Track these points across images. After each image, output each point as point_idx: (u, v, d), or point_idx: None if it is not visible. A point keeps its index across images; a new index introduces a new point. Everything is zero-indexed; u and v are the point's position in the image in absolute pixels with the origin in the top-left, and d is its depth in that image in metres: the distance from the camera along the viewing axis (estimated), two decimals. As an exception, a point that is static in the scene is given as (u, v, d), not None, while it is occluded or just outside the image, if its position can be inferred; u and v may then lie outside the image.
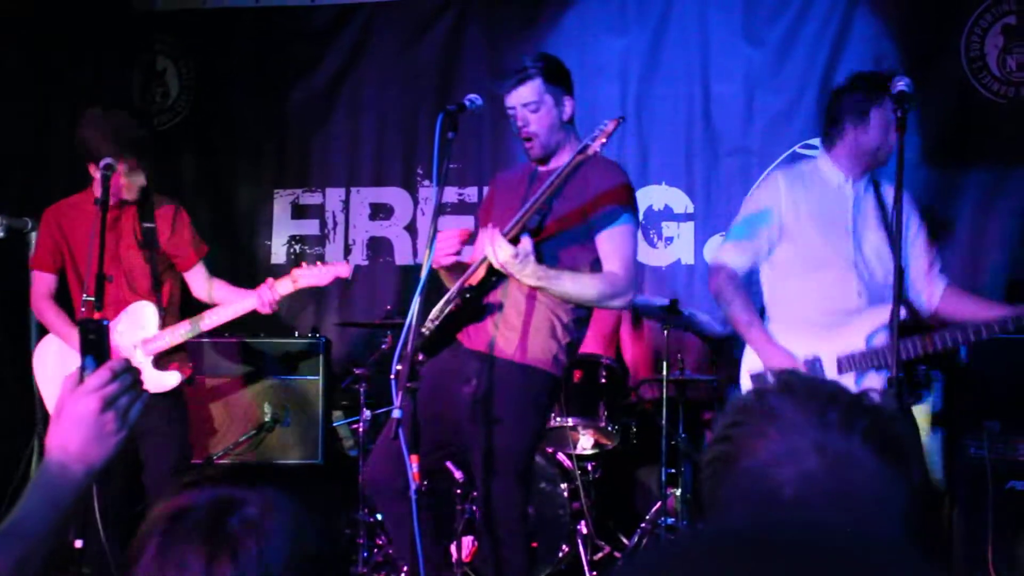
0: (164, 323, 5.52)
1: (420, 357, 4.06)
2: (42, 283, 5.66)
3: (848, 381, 4.52)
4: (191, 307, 5.79)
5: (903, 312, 4.38)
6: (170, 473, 5.40)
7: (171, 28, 8.35)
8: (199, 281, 5.79)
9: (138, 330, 5.48)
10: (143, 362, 5.41)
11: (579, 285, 4.40)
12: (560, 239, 4.48)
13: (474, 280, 4.46)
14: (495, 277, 4.44)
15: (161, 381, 5.44)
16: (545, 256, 4.39)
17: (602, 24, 7.70)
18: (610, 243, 4.45)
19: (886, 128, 4.71)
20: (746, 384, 4.91)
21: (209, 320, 5.51)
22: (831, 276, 4.74)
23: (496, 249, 4.21)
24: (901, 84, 4.29)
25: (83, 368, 1.95)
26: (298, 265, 5.57)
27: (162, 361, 5.52)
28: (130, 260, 5.54)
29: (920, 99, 6.60)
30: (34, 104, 7.67)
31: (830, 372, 4.62)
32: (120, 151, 5.25)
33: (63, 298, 5.70)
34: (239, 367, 6.98)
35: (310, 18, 8.21)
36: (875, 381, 4.56)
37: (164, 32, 8.35)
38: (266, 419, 6.84)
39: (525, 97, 4.53)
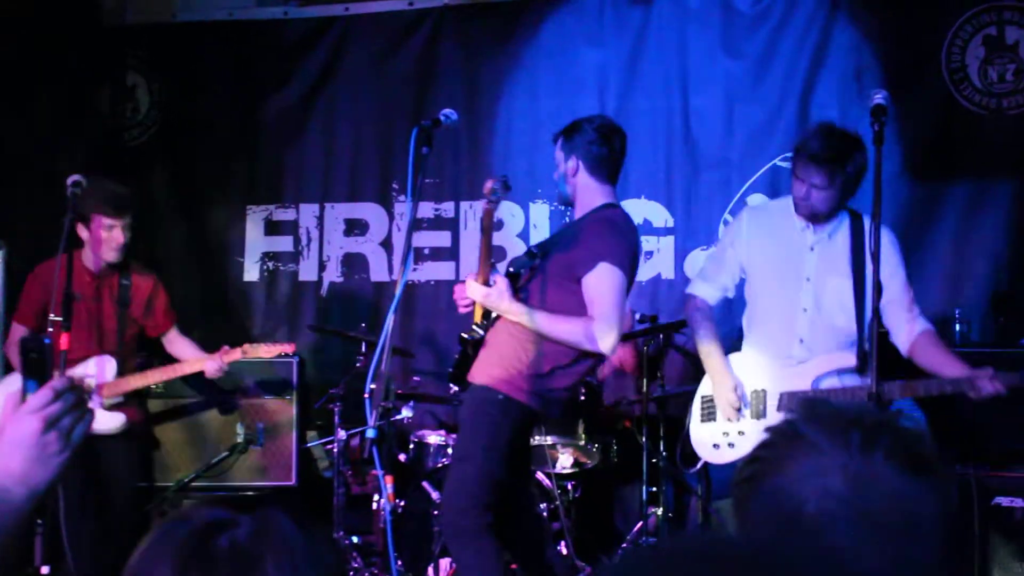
0: (122, 374, 5.97)
1: (454, 390, 4.98)
2: (18, 334, 6.03)
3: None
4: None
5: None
6: (130, 510, 5.99)
7: (142, 42, 8.31)
8: (176, 343, 6.34)
9: (94, 378, 5.84)
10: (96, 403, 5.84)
11: (553, 325, 4.71)
12: (550, 282, 4.78)
13: (476, 318, 4.87)
14: (491, 316, 4.86)
15: (106, 422, 5.81)
16: (534, 295, 4.77)
17: (580, 36, 7.69)
18: (592, 288, 4.70)
19: (797, 187, 4.88)
20: (695, 407, 5.22)
21: (157, 375, 6.08)
22: (776, 324, 5.00)
23: (469, 290, 4.75)
24: (878, 97, 4.36)
25: (24, 388, 1.90)
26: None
27: (114, 406, 5.92)
28: (107, 320, 5.95)
29: (901, 111, 6.66)
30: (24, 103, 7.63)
31: (771, 408, 4.89)
32: (103, 209, 5.75)
33: None
34: (211, 387, 6.95)
35: (283, 31, 8.19)
36: None
37: (135, 47, 8.31)
38: (239, 440, 6.82)
39: (556, 154, 5.05)
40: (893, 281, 4.83)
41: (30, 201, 7.10)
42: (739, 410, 4.96)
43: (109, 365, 5.91)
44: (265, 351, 6.18)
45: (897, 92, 6.08)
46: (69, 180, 5.44)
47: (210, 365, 6.02)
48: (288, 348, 6.25)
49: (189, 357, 6.20)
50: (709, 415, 5.10)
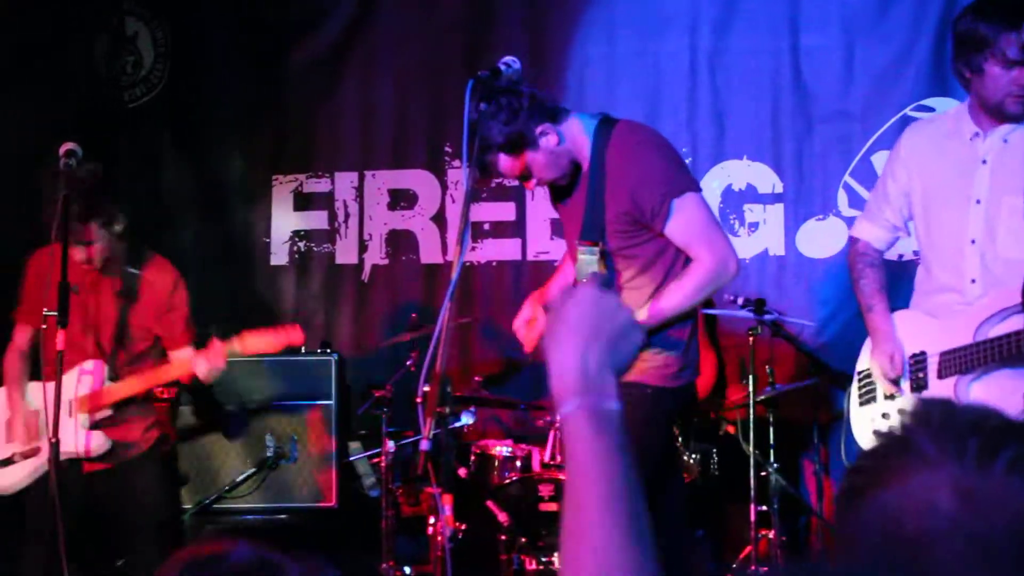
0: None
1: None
2: (22, 335, 5.87)
3: (948, 386, 4.56)
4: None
5: None
6: (147, 550, 5.65)
7: (142, -16, 8.36)
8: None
9: (77, 385, 5.61)
10: (76, 420, 5.58)
11: (675, 302, 4.66)
12: (631, 245, 4.70)
13: None
14: None
15: (83, 443, 5.59)
16: (625, 264, 4.71)
17: (667, -37, 7.67)
18: (680, 233, 4.64)
19: (1004, 77, 4.46)
20: (853, 388, 5.06)
21: (135, 385, 5.67)
22: (942, 256, 4.74)
23: None
24: None
25: None
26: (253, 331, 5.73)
27: (116, 420, 5.68)
28: (104, 318, 5.72)
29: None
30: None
31: (931, 375, 4.67)
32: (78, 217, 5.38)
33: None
34: (235, 392, 7.00)
35: (311, -34, 8.23)
36: (995, 386, 4.47)
37: (134, -11, 8.37)
38: (268, 454, 6.84)
39: (511, 175, 4.82)
40: None
41: (11, 175, 7.15)
42: (896, 382, 4.78)
43: (96, 373, 5.64)
44: (266, 342, 5.73)
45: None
46: (61, 150, 5.28)
47: (201, 365, 5.60)
48: (295, 334, 5.80)
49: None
50: (868, 394, 4.95)
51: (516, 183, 5.32)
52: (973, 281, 4.61)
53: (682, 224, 4.60)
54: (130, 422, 5.77)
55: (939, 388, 4.60)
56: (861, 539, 1.46)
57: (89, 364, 5.66)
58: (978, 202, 4.61)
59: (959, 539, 1.37)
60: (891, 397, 4.82)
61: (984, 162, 4.60)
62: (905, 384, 4.76)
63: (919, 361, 4.72)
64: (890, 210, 4.97)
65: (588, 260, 4.64)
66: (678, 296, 4.63)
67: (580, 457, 1.75)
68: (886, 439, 1.52)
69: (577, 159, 4.77)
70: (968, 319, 4.56)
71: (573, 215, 4.85)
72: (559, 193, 4.98)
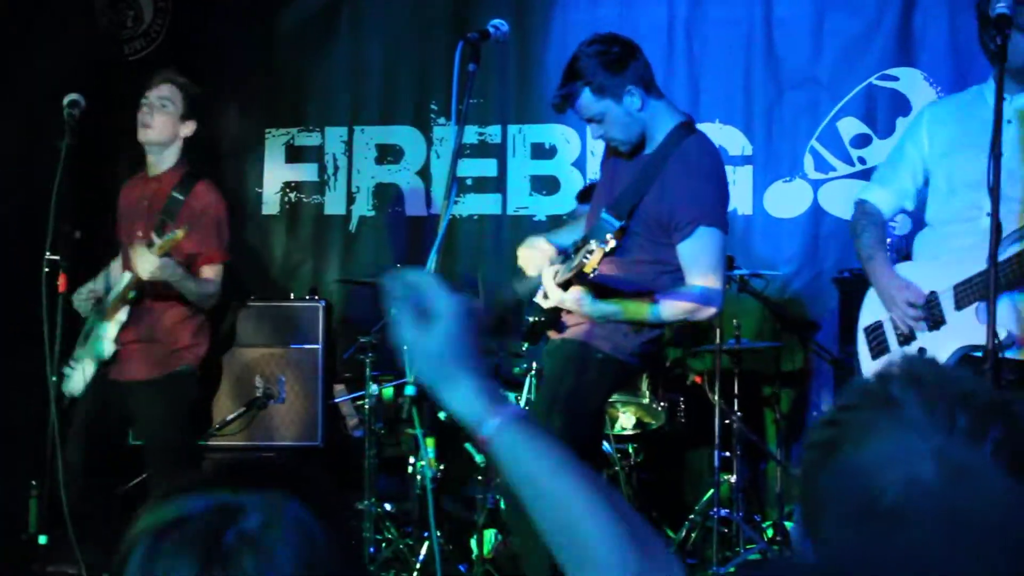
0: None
1: (524, 347, 4.94)
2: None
3: (970, 315, 4.42)
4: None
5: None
6: (167, 461, 5.47)
7: (142, -62, 8.36)
8: None
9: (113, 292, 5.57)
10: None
11: (650, 314, 4.67)
12: (645, 237, 4.73)
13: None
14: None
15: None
16: (630, 246, 4.71)
17: (646, -68, 7.72)
18: (689, 255, 4.66)
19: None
20: (861, 346, 4.95)
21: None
22: (963, 199, 4.64)
23: (549, 295, 4.67)
24: (1001, 6, 4.16)
25: None
26: None
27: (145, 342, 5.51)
28: (144, 230, 5.48)
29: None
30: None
31: (948, 308, 4.54)
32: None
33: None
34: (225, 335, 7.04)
35: (304, -75, 8.24)
36: (1007, 308, 4.33)
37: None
38: (257, 394, 6.89)
39: (584, 113, 4.76)
40: None
41: (13, 125, 7.12)
42: (921, 310, 4.58)
43: (124, 277, 5.46)
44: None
45: None
46: (65, 100, 5.28)
47: (142, 263, 5.21)
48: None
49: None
50: (880, 345, 4.82)
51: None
52: (988, 215, 4.35)
53: (694, 250, 4.61)
54: (157, 339, 5.54)
55: (960, 320, 4.49)
56: (832, 506, 1.42)
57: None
58: (1000, 156, 4.42)
59: (941, 516, 1.34)
60: (906, 342, 4.68)
61: (1009, 122, 4.49)
62: (920, 325, 4.63)
63: (930, 302, 4.60)
64: (906, 172, 4.89)
65: (606, 228, 4.64)
66: (655, 310, 4.64)
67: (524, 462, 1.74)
68: (866, 392, 1.45)
69: (646, 138, 4.78)
70: (980, 250, 4.33)
71: (614, 180, 4.88)
72: (614, 152, 5.00)
